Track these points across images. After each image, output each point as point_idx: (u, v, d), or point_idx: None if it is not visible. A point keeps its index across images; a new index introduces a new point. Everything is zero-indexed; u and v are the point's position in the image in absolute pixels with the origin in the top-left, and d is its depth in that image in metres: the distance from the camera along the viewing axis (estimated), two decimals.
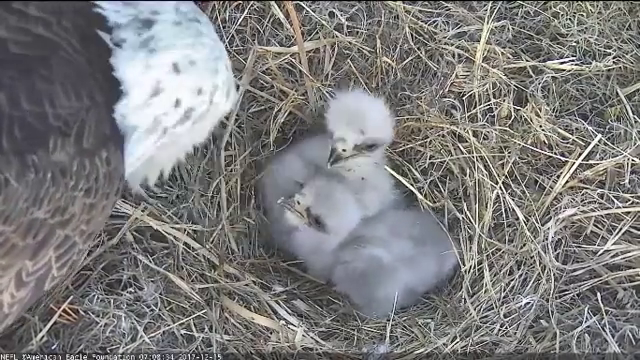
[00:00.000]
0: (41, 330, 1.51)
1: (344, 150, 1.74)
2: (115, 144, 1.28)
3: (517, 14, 1.95)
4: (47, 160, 1.18)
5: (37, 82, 1.19)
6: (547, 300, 1.63)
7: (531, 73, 1.87)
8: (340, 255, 1.76)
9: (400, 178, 1.81)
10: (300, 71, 1.91)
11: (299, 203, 1.72)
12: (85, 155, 1.23)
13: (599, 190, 1.72)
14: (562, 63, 1.88)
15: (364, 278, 1.73)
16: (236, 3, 1.90)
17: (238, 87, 1.78)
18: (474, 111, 1.83)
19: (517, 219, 1.72)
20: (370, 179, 1.82)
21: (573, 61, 1.88)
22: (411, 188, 1.81)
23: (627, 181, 1.72)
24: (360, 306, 1.73)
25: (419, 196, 1.81)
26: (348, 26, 1.92)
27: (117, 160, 1.28)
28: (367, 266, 1.73)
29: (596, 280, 1.66)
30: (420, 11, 1.93)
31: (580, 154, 1.74)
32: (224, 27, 1.88)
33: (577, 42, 1.91)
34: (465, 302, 1.69)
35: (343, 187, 1.77)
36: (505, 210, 1.74)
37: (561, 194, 1.73)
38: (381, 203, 1.83)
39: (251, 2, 1.90)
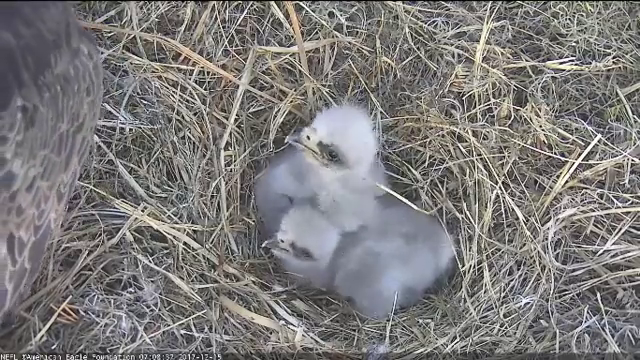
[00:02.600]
0: (41, 330, 1.51)
1: (308, 137, 1.73)
2: (86, 37, 1.34)
3: (517, 14, 1.95)
4: (52, 75, 1.24)
5: (21, 6, 1.23)
6: (547, 300, 1.63)
7: (531, 73, 1.87)
8: (334, 265, 1.77)
9: (395, 194, 1.79)
10: (300, 71, 1.91)
11: (283, 241, 1.74)
12: (75, 57, 1.29)
13: (599, 190, 1.72)
14: (562, 63, 1.88)
15: (361, 275, 1.74)
16: (236, 3, 1.90)
17: None
18: (474, 111, 1.83)
19: (517, 219, 1.72)
20: (346, 203, 1.80)
21: (573, 61, 1.88)
22: (408, 202, 1.79)
23: (627, 181, 1.72)
24: (362, 307, 1.74)
25: (416, 208, 1.80)
26: (348, 26, 1.92)
27: (95, 52, 1.35)
28: (361, 264, 1.74)
29: (596, 280, 1.65)
30: (420, 11, 1.93)
31: (580, 154, 1.74)
32: (224, 27, 1.88)
33: (577, 42, 1.91)
34: (465, 302, 1.69)
35: (318, 212, 1.78)
36: (505, 210, 1.74)
37: (561, 194, 1.73)
38: (361, 222, 1.82)
39: (251, 2, 1.90)
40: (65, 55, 1.27)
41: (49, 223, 1.29)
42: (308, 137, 1.73)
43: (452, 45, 1.88)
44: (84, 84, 1.31)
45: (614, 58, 1.89)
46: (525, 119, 1.80)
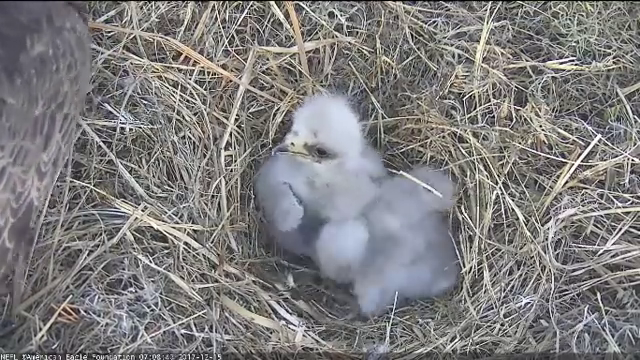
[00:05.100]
0: (41, 330, 1.51)
1: (292, 144, 1.75)
2: (75, 10, 1.35)
3: (517, 14, 1.95)
4: (28, 58, 1.25)
5: None
6: (547, 300, 1.63)
7: (531, 73, 1.87)
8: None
9: (419, 182, 1.78)
10: (300, 71, 1.91)
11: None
12: (57, 35, 1.29)
13: (599, 190, 1.72)
14: (562, 63, 1.88)
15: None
16: (236, 3, 1.90)
17: None
18: (474, 112, 1.83)
19: (517, 219, 1.72)
20: (339, 184, 1.80)
21: (573, 61, 1.88)
22: (426, 186, 1.77)
23: (627, 181, 1.72)
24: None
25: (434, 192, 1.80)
26: (348, 26, 1.92)
27: (79, 23, 1.35)
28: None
29: (596, 280, 1.65)
30: (420, 11, 1.93)
31: (580, 154, 1.74)
32: (224, 27, 1.88)
33: (577, 42, 1.91)
34: (465, 302, 1.69)
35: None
36: (505, 210, 1.74)
37: (561, 194, 1.73)
38: (359, 205, 1.81)
39: (251, 2, 1.90)
40: (44, 36, 1.28)
41: (31, 202, 1.32)
42: (292, 143, 1.74)
43: (452, 45, 1.88)
44: (64, 62, 1.31)
45: (614, 58, 1.89)
46: (525, 119, 1.80)
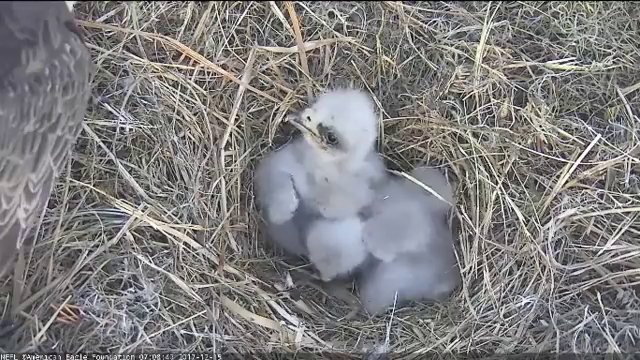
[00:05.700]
0: (41, 330, 1.51)
1: (309, 118, 1.75)
2: (73, 30, 1.33)
3: (517, 14, 1.95)
4: (23, 74, 1.23)
5: None
6: (547, 300, 1.63)
7: (531, 73, 1.87)
8: None
9: (424, 185, 1.77)
10: (300, 71, 1.91)
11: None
12: (54, 56, 1.28)
13: (599, 190, 1.72)
14: (562, 63, 1.88)
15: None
16: (236, 3, 1.90)
17: None
18: (474, 112, 1.83)
19: (517, 219, 1.72)
20: (337, 183, 1.81)
21: (573, 61, 1.88)
22: (433, 192, 1.77)
23: (627, 181, 1.72)
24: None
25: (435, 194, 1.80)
26: (348, 26, 1.92)
27: (80, 47, 1.33)
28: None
29: (596, 280, 1.65)
30: (420, 11, 1.93)
31: (580, 154, 1.74)
32: (224, 27, 1.88)
33: (577, 42, 1.91)
34: (465, 302, 1.69)
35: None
36: (505, 210, 1.74)
37: (561, 194, 1.73)
38: (354, 207, 1.81)
39: (251, 2, 1.90)
40: (41, 54, 1.26)
41: (17, 222, 1.30)
42: (309, 118, 1.74)
43: (452, 45, 1.88)
44: (61, 83, 1.30)
45: (614, 58, 1.89)
46: (525, 119, 1.80)
